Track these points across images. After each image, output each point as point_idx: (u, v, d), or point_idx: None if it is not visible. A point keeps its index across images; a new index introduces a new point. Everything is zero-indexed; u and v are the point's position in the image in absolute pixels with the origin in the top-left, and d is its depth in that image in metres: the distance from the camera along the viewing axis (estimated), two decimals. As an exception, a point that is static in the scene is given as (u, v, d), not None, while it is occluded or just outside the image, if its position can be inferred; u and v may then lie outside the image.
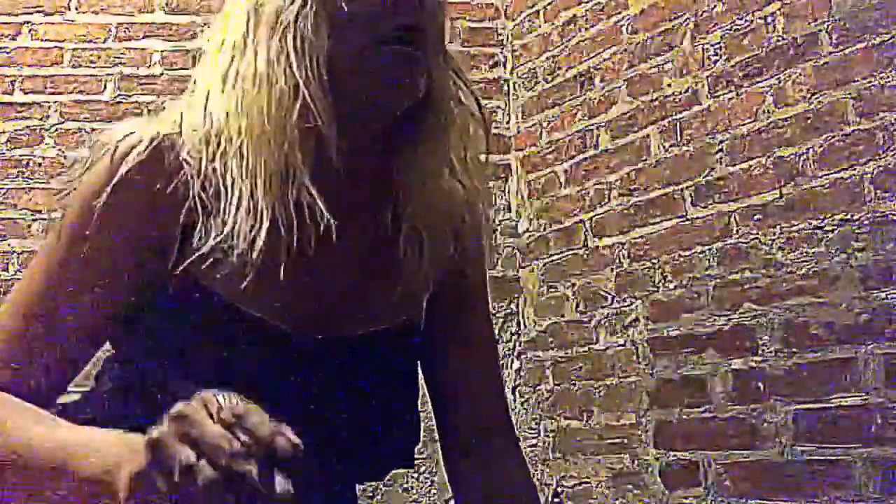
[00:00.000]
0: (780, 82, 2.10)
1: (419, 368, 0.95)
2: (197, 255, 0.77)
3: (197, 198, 0.77)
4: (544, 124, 2.73)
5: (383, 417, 0.87)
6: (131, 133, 0.79)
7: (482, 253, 0.98)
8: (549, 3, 2.76)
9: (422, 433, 0.92)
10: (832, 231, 1.95)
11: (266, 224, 0.75)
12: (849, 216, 1.93)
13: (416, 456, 0.92)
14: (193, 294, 0.79)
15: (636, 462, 2.30)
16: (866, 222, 1.90)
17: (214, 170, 0.78)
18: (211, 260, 0.77)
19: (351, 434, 0.84)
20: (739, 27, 2.21)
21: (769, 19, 2.15)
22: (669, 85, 2.37)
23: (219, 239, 0.76)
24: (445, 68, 0.84)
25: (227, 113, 0.78)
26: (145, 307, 0.80)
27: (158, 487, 0.54)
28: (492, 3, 2.92)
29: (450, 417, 0.98)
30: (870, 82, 1.92)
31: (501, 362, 2.60)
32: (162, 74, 2.83)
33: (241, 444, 0.52)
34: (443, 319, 0.94)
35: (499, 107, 2.86)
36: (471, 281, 0.97)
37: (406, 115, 0.82)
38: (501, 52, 2.89)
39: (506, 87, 2.87)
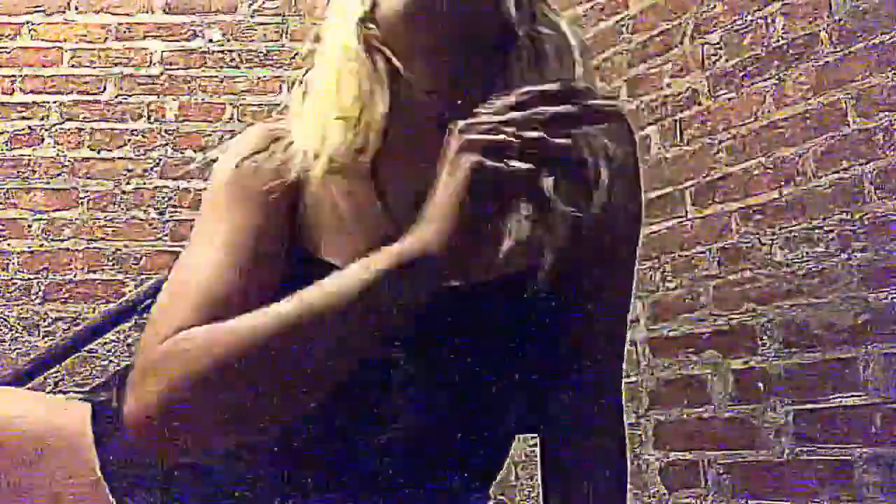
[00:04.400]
0: (780, 82, 2.10)
1: None
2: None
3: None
4: (544, 124, 2.72)
5: None
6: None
7: None
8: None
9: None
10: (832, 231, 1.95)
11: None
12: (849, 216, 1.93)
13: None
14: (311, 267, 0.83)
15: (636, 462, 2.30)
16: (866, 222, 1.90)
17: None
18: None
19: None
20: (739, 27, 2.21)
21: (769, 19, 2.15)
22: (669, 85, 2.37)
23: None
24: None
25: None
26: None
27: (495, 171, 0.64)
28: (492, 3, 2.92)
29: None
30: (870, 82, 1.92)
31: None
32: (162, 74, 2.83)
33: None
34: None
35: (499, 107, 2.85)
36: None
37: None
38: (501, 52, 2.89)
39: (506, 87, 2.86)
